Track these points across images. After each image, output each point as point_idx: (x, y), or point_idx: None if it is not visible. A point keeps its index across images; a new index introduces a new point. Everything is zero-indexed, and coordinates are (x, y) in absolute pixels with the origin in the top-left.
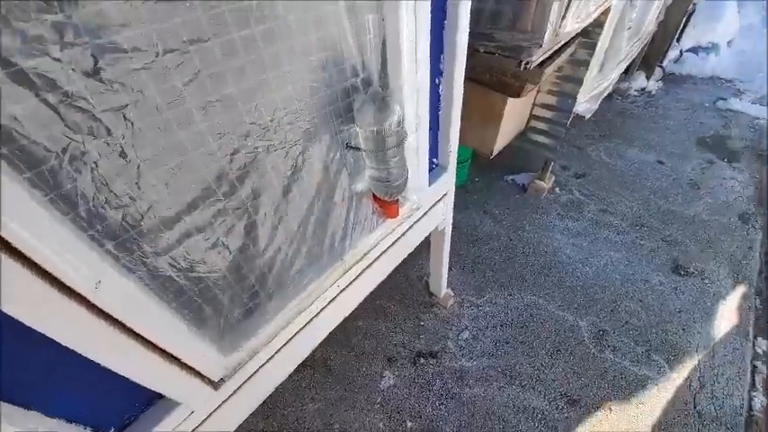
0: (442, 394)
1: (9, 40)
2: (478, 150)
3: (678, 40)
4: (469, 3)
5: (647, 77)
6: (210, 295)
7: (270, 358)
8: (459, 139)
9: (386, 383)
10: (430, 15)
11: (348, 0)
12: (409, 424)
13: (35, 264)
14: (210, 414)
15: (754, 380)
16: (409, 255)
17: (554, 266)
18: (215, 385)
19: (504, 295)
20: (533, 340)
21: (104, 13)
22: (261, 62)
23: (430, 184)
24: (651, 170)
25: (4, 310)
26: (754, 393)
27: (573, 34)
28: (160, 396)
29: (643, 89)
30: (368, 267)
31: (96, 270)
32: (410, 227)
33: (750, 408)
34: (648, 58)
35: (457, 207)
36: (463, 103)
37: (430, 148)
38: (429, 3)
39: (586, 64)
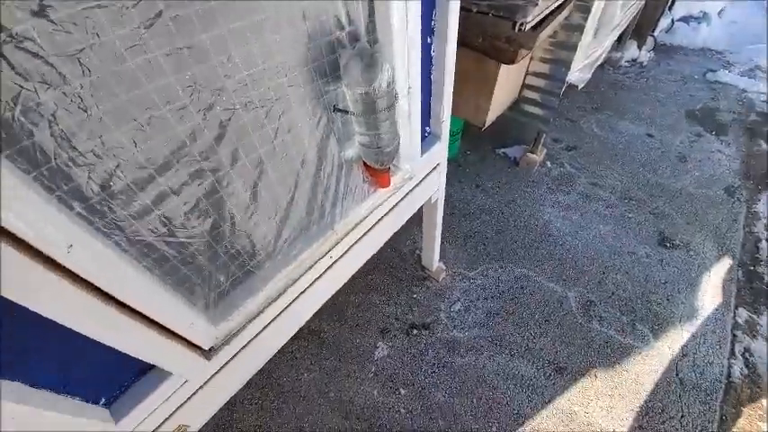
0: (434, 363)
1: None
2: (470, 121)
3: (670, 9)
4: None
5: (639, 47)
6: (195, 263)
7: (263, 329)
8: (451, 110)
9: (379, 354)
10: None
11: None
12: (402, 391)
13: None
14: (205, 383)
15: (733, 348)
16: (401, 228)
17: (544, 239)
18: (206, 355)
19: (495, 268)
20: (523, 311)
21: None
22: (232, 7)
23: (422, 153)
24: (641, 143)
25: None
26: (734, 361)
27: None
28: (152, 366)
29: (635, 60)
30: (360, 239)
31: (66, 233)
32: (403, 197)
33: (729, 375)
34: (641, 27)
35: (449, 181)
36: (455, 71)
37: (422, 116)
38: None
39: (581, 29)
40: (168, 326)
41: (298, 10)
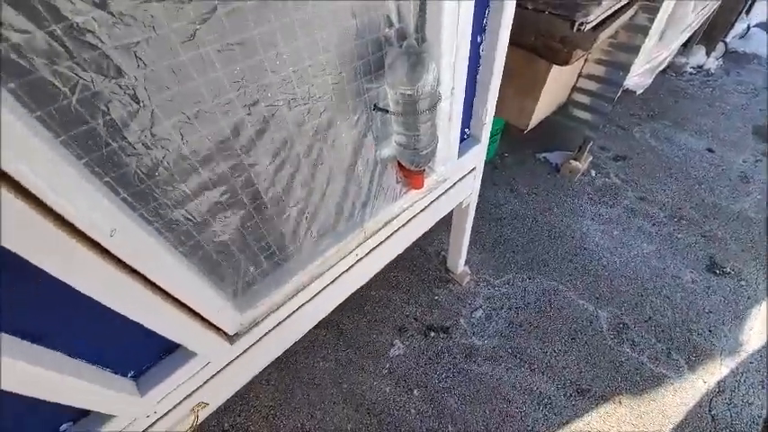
0: (449, 368)
1: None
2: (513, 123)
3: (747, 13)
4: None
5: (707, 53)
6: (227, 252)
7: (285, 318)
8: (496, 112)
9: (395, 352)
10: None
11: None
12: (415, 392)
13: (47, 207)
14: (226, 366)
15: None
16: (429, 228)
17: (579, 253)
18: (230, 339)
19: (522, 278)
20: (548, 326)
21: None
22: (284, 4)
23: (460, 155)
24: (699, 158)
25: (18, 252)
26: None
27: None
28: (178, 346)
29: (701, 66)
30: (387, 238)
31: (111, 218)
32: (434, 200)
33: None
34: (711, 31)
35: (482, 182)
36: (505, 69)
37: (463, 117)
38: None
39: (646, 30)
40: (198, 310)
41: (348, 6)
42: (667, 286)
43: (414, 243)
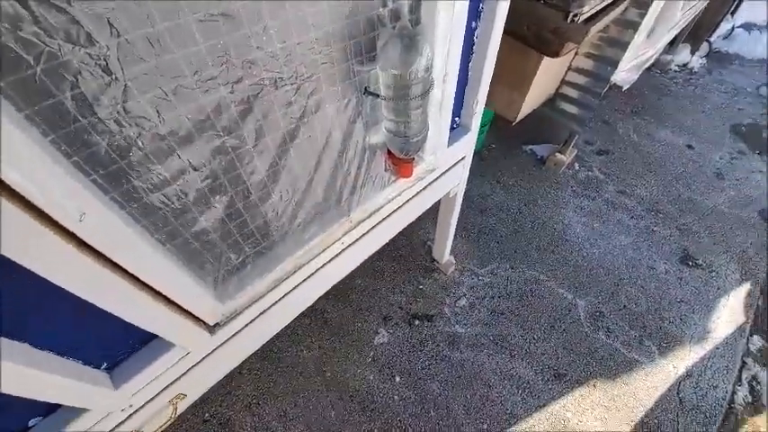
0: (432, 355)
1: None
2: (501, 114)
3: (732, 14)
4: None
5: (692, 52)
6: (207, 239)
7: (267, 308)
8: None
9: (379, 340)
10: None
11: None
12: (398, 379)
13: (10, 188)
14: (206, 357)
15: (741, 375)
16: (416, 217)
17: (561, 244)
18: (211, 330)
19: (505, 268)
20: (529, 314)
21: None
22: None
23: (449, 144)
24: (679, 154)
25: None
26: (739, 387)
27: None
28: (155, 336)
29: (685, 65)
30: (374, 227)
31: (79, 200)
32: (422, 188)
33: (732, 401)
34: (697, 30)
35: (469, 173)
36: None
37: (454, 105)
38: None
39: (636, 26)
40: (175, 299)
41: None
42: (642, 276)
43: (400, 232)
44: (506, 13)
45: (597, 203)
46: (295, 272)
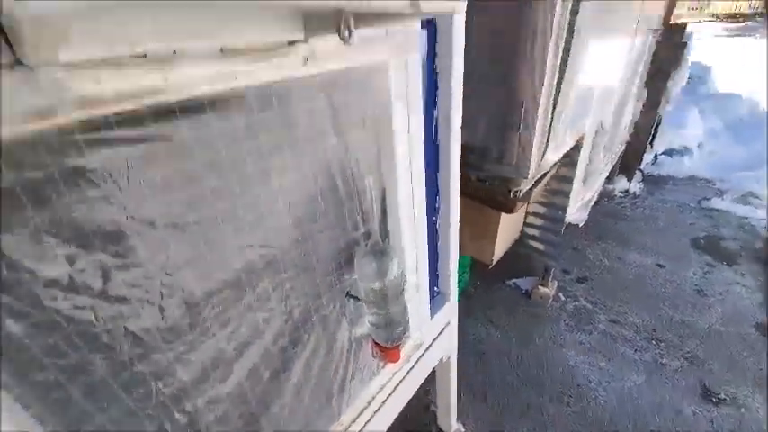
0: None
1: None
2: (478, 258)
3: (651, 144)
4: (459, 155)
5: (628, 180)
6: None
7: None
8: (460, 251)
9: None
10: (424, 164)
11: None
12: None
13: None
14: None
15: None
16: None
17: (573, 392)
18: None
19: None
20: None
21: None
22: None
23: (432, 315)
24: (653, 274)
25: None
26: None
27: (555, 161)
28: None
29: (626, 191)
30: (367, 422)
31: None
32: (413, 366)
33: None
34: (627, 162)
35: (460, 315)
36: (460, 217)
37: (430, 277)
38: (422, 159)
39: (570, 180)
40: None
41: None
42: (671, 422)
43: None
44: (458, 207)
45: (595, 337)
46: None
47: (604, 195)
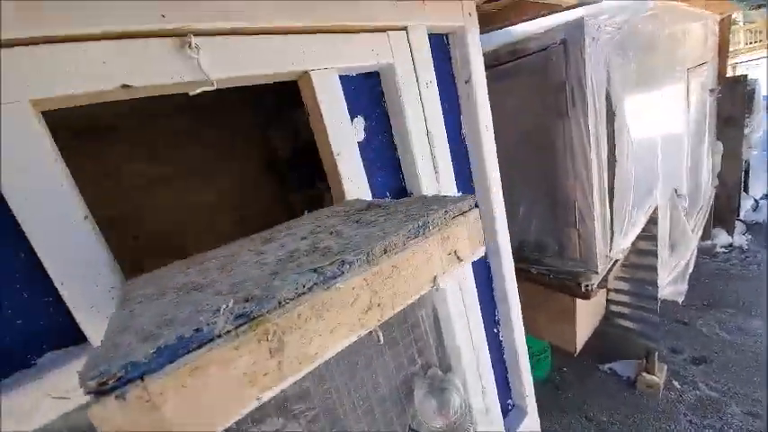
0: None
1: None
2: (560, 347)
3: (746, 191)
4: (512, 267)
5: (729, 233)
6: None
7: None
8: (536, 334)
9: None
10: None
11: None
12: None
13: None
14: None
15: None
16: None
17: None
18: None
19: None
20: None
21: None
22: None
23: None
24: None
25: None
26: None
27: (629, 245)
28: None
29: (730, 245)
30: None
31: None
32: None
33: None
34: (722, 214)
35: (548, 411)
36: (529, 301)
37: (503, 392)
38: (473, 281)
39: (653, 253)
40: None
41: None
42: None
43: None
44: (521, 318)
45: None
46: None
47: (704, 253)
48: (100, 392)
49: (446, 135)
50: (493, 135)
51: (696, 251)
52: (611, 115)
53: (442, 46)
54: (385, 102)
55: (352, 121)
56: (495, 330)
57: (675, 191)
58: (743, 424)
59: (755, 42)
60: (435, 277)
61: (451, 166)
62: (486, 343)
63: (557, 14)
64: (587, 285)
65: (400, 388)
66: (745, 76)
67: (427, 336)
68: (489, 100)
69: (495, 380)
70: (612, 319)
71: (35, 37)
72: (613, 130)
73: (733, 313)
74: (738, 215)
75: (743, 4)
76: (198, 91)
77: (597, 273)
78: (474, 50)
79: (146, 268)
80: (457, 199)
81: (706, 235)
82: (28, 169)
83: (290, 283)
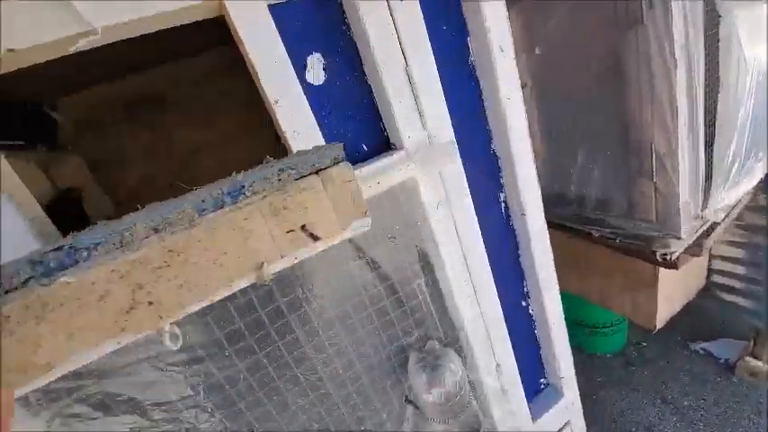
0: None
1: None
2: (633, 320)
3: None
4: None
5: None
6: None
7: None
8: (604, 304)
9: None
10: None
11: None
12: None
13: None
14: None
15: None
16: None
17: None
18: None
19: None
20: None
21: None
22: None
23: (536, 415)
24: None
25: None
26: None
27: (735, 201)
28: None
29: None
30: None
31: None
32: None
33: None
34: None
35: (617, 387)
36: (596, 265)
37: (533, 369)
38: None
39: None
40: None
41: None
42: None
43: None
44: (556, 284)
45: None
46: None
47: None
48: None
49: (442, 64)
50: (513, 60)
51: None
52: (712, 17)
53: None
54: (352, 32)
55: (305, 59)
56: (525, 303)
57: None
58: None
59: None
60: (262, 264)
61: (445, 105)
62: (506, 318)
63: None
64: (665, 254)
65: (394, 359)
66: None
67: (428, 307)
68: (530, 16)
69: (524, 357)
70: (715, 291)
71: None
72: (717, 40)
73: None
74: None
75: None
76: (82, 45)
77: (680, 238)
78: None
79: None
80: (315, 150)
81: None
82: None
83: None
